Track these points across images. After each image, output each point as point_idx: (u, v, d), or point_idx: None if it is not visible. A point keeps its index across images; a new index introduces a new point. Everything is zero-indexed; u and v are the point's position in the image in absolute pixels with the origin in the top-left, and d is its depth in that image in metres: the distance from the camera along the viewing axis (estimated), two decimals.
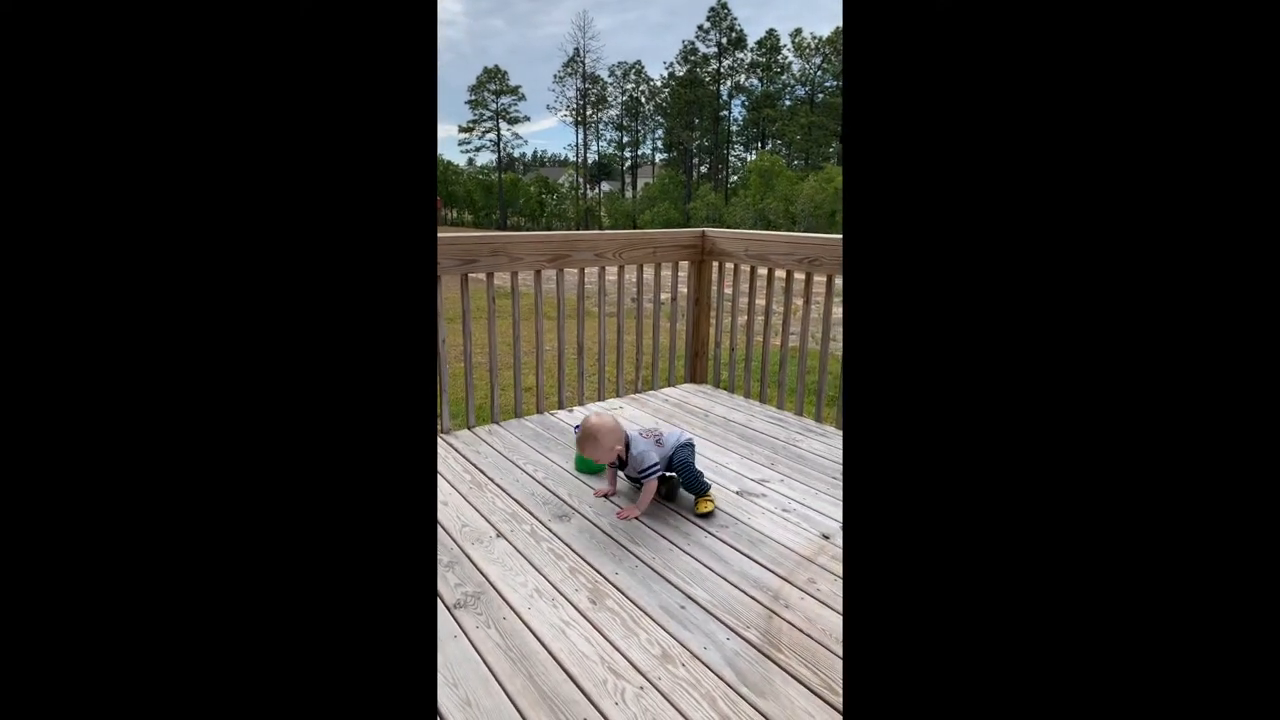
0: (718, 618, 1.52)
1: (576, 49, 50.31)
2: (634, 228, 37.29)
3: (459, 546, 1.81)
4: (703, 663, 1.38)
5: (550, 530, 1.91)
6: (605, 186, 52.38)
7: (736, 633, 1.47)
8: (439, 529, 1.90)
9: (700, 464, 2.42)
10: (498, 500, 2.09)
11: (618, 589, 1.63)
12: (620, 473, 2.10)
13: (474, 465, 2.35)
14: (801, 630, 1.48)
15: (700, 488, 2.07)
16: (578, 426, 2.37)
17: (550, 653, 1.40)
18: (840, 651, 1.39)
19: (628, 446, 2.02)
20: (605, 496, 2.13)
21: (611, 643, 1.43)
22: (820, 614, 1.54)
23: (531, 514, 2.00)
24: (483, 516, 1.98)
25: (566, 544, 1.83)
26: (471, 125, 51.62)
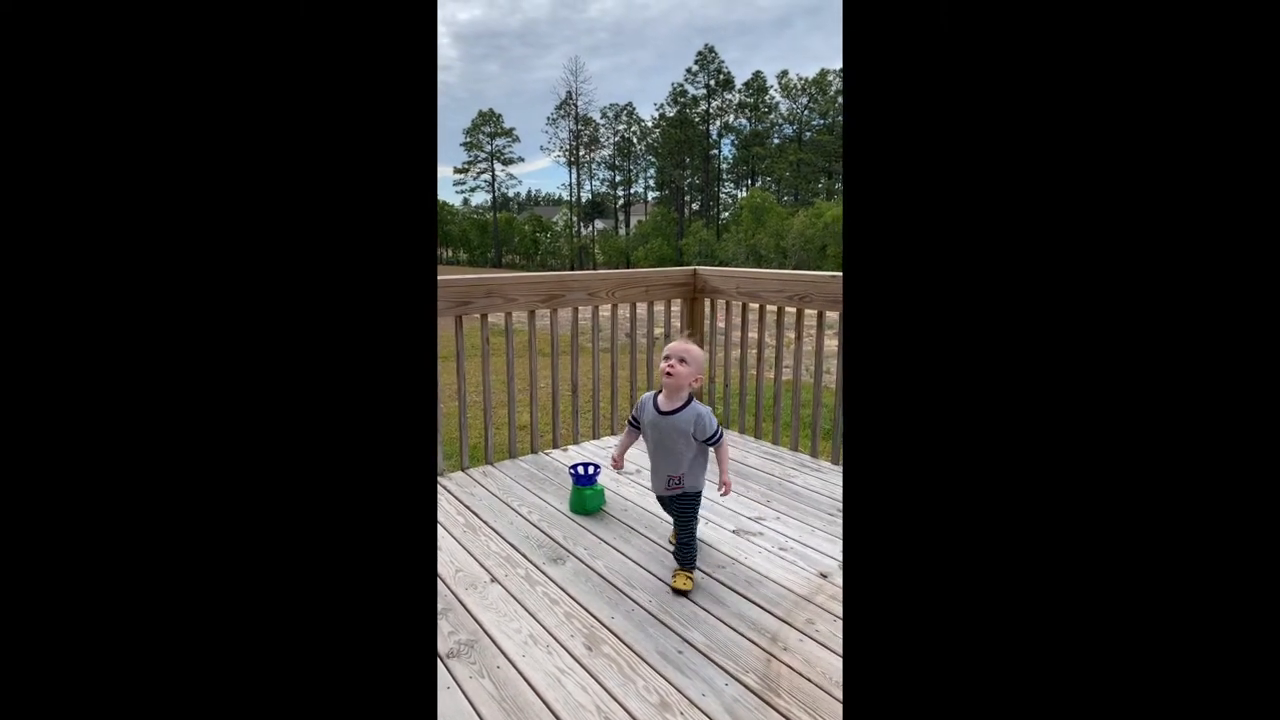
0: (716, 662, 1.50)
1: (569, 92, 51.65)
2: (627, 264, 37.71)
3: (452, 592, 1.78)
4: (701, 710, 1.35)
5: (545, 574, 1.88)
6: (599, 224, 53.10)
7: (735, 678, 1.44)
8: None
9: None
10: (491, 543, 2.06)
11: (614, 634, 1.60)
12: (652, 418, 1.85)
13: (467, 508, 2.33)
14: (800, 674, 1.45)
15: (688, 555, 1.86)
16: (573, 467, 2.36)
17: (546, 703, 1.37)
18: (840, 695, 1.36)
19: (692, 396, 1.86)
20: (616, 467, 2.03)
21: (608, 691, 1.40)
22: (819, 656, 1.51)
23: (526, 557, 1.98)
24: (476, 560, 1.96)
25: (561, 588, 1.81)
26: (467, 166, 52.53)
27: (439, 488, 2.51)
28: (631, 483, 2.56)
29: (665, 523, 2.22)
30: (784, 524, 2.21)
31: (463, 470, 2.69)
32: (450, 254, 51.00)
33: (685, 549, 1.87)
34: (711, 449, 1.87)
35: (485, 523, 2.21)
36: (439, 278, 2.56)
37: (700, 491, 1.91)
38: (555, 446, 3.00)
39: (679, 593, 1.79)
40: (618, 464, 2.02)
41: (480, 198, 54.64)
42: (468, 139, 51.69)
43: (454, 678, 1.44)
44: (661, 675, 1.45)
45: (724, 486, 1.87)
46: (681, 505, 1.89)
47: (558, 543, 2.07)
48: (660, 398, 1.86)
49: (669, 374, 1.81)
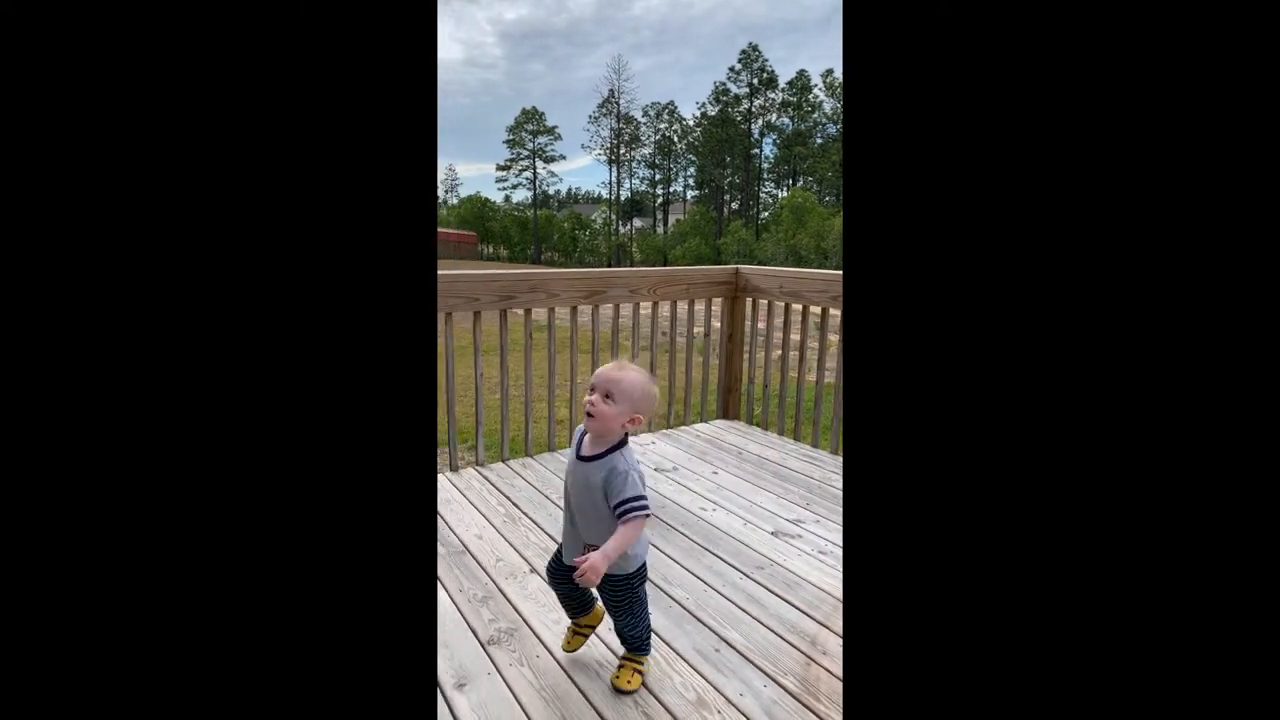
0: (754, 663, 1.49)
1: (612, 90, 51.88)
2: (665, 263, 37.69)
3: (494, 581, 1.81)
4: (739, 710, 1.34)
5: None
6: (637, 222, 53.21)
7: (774, 679, 1.43)
8: (474, 563, 1.91)
9: (734, 503, 2.40)
10: (531, 534, 2.09)
11: (651, 629, 1.60)
12: (570, 462, 1.36)
13: (508, 499, 2.36)
14: (840, 679, 1.43)
15: (638, 638, 1.40)
16: None
17: (583, 694, 1.38)
18: None
19: (623, 442, 1.33)
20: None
21: (645, 685, 1.41)
22: None
23: None
24: (516, 551, 1.98)
25: None
26: (509, 163, 53.31)
27: (481, 478, 2.55)
28: (668, 480, 2.56)
29: (704, 521, 2.21)
30: (824, 528, 2.18)
31: (503, 461, 2.73)
32: (491, 250, 51.79)
33: (633, 638, 1.40)
34: (622, 521, 1.24)
35: (525, 514, 2.24)
36: (485, 271, 2.61)
37: (635, 572, 1.35)
38: None
39: (622, 692, 1.37)
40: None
41: (521, 195, 55.38)
42: (511, 136, 52.45)
43: (494, 664, 1.47)
44: (698, 672, 1.45)
45: (583, 563, 1.20)
46: (614, 590, 1.35)
47: None
48: (588, 436, 1.35)
49: (589, 414, 1.29)
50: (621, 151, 51.73)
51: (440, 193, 68.39)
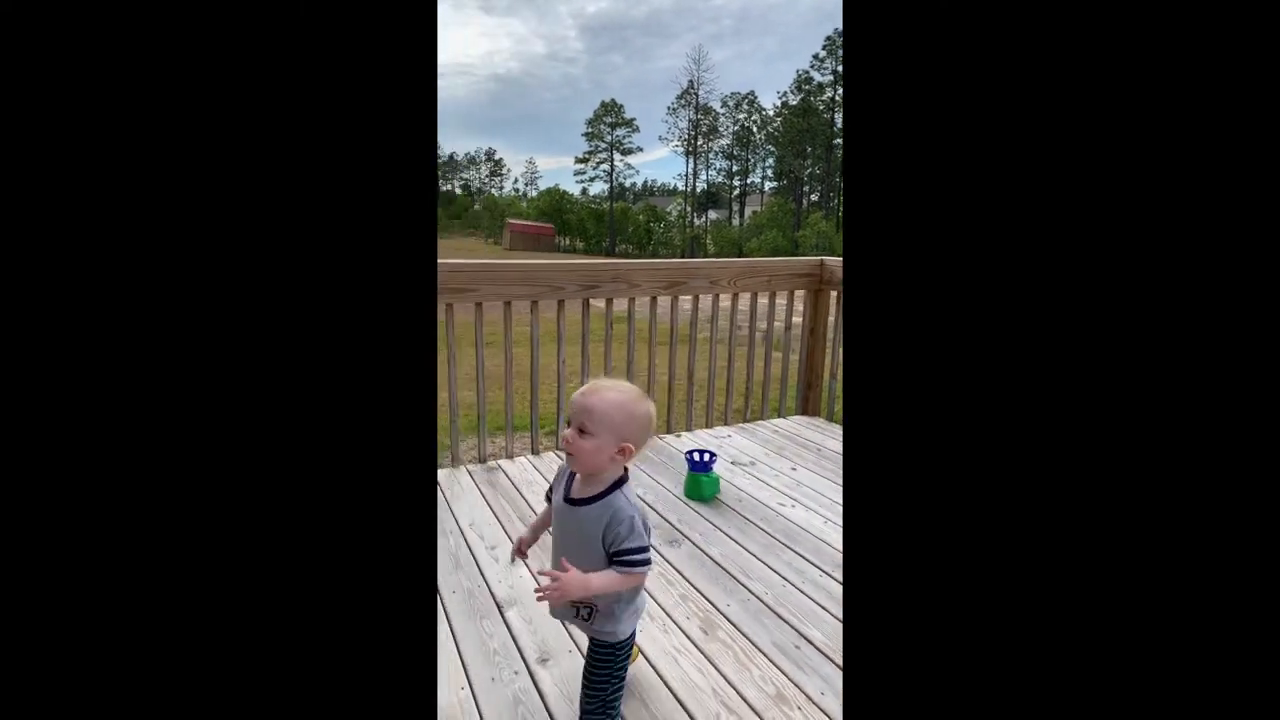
0: (834, 661, 1.45)
1: (691, 81, 51.52)
2: (740, 255, 37.18)
3: None
4: (820, 709, 1.32)
5: (661, 555, 1.91)
6: (712, 215, 52.75)
7: None
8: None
9: (814, 500, 2.35)
10: None
11: (729, 621, 1.60)
12: (558, 505, 1.16)
13: None
14: None
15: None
16: (689, 453, 2.37)
17: (663, 679, 1.39)
18: None
19: (622, 479, 1.13)
20: (518, 555, 1.28)
21: (724, 676, 1.41)
22: None
23: None
24: None
25: (678, 570, 1.83)
26: (587, 156, 54.06)
27: (561, 461, 2.62)
28: (746, 475, 2.54)
29: (782, 517, 2.18)
30: None
31: None
32: (568, 242, 52.79)
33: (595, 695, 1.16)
34: (620, 569, 1.08)
35: None
36: (568, 260, 2.66)
37: (620, 644, 1.15)
38: (669, 432, 3.03)
39: None
40: (519, 552, 1.29)
41: (598, 187, 56.08)
42: (589, 129, 53.16)
43: (575, 642, 1.50)
44: (778, 667, 1.44)
45: (561, 575, 1.02)
46: (592, 658, 1.16)
47: (673, 525, 2.10)
48: (578, 475, 1.15)
49: (567, 451, 1.11)
50: (699, 143, 51.37)
51: (520, 185, 70.26)
